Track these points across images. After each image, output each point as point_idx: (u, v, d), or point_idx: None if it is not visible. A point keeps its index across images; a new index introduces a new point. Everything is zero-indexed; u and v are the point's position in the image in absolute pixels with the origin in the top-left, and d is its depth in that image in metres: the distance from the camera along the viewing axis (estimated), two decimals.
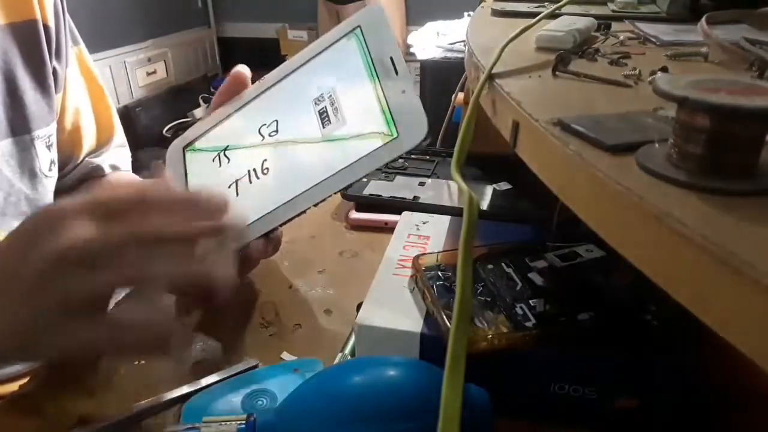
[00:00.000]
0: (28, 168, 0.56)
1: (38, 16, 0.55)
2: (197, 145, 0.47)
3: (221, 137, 0.45)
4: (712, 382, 0.37)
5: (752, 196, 0.19)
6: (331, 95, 0.40)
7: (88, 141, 0.66)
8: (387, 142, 0.36)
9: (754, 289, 0.15)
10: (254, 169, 0.42)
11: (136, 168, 0.75)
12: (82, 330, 0.32)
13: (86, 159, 0.67)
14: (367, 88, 0.38)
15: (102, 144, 0.69)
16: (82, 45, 0.65)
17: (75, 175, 0.66)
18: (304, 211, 0.39)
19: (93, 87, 0.67)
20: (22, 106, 0.55)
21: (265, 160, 0.42)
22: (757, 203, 0.19)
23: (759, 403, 0.35)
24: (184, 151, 0.47)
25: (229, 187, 0.43)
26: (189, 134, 0.47)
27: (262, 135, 0.43)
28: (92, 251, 0.31)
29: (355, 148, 0.37)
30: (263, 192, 0.41)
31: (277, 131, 0.42)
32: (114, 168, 0.69)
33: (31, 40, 0.55)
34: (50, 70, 0.57)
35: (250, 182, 0.42)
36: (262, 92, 0.44)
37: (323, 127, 0.39)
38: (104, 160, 0.68)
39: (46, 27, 0.56)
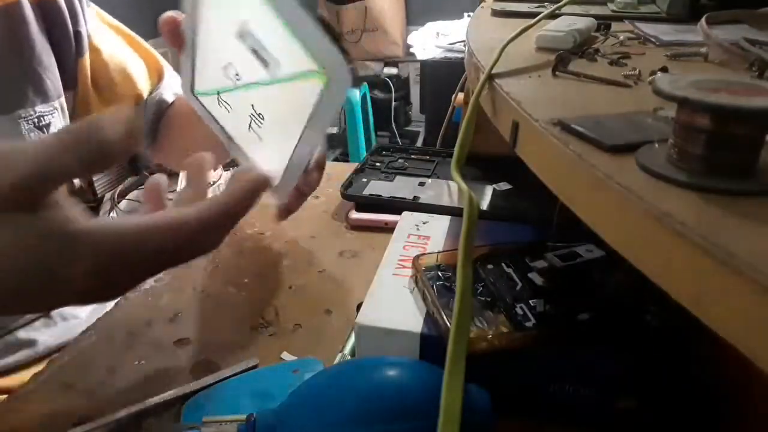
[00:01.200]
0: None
1: None
2: (198, 88, 0.46)
3: (206, 80, 0.45)
4: (712, 382, 0.37)
5: (752, 196, 0.19)
6: (249, 31, 0.38)
7: (144, 83, 0.69)
8: (326, 81, 0.35)
9: (754, 289, 0.15)
10: (252, 114, 0.41)
11: (139, 167, 0.76)
12: None
13: (149, 98, 0.69)
14: (271, 18, 0.36)
15: (156, 81, 0.71)
16: (93, 4, 0.67)
17: (147, 116, 0.68)
18: (315, 149, 0.39)
19: (123, 35, 0.69)
20: None
21: (253, 104, 0.41)
22: (757, 203, 0.19)
23: (759, 403, 0.35)
24: (195, 96, 0.47)
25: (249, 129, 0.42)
26: (183, 78, 0.47)
27: (230, 79, 0.42)
28: None
29: (302, 90, 0.36)
30: (274, 135, 0.41)
31: (238, 75, 0.41)
32: (176, 95, 0.71)
33: (12, 23, 0.55)
34: (38, 51, 0.57)
35: (259, 127, 0.42)
36: (197, 35, 0.43)
37: (266, 68, 0.38)
38: (163, 92, 0.70)
39: (51, 2, 0.57)
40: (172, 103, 0.71)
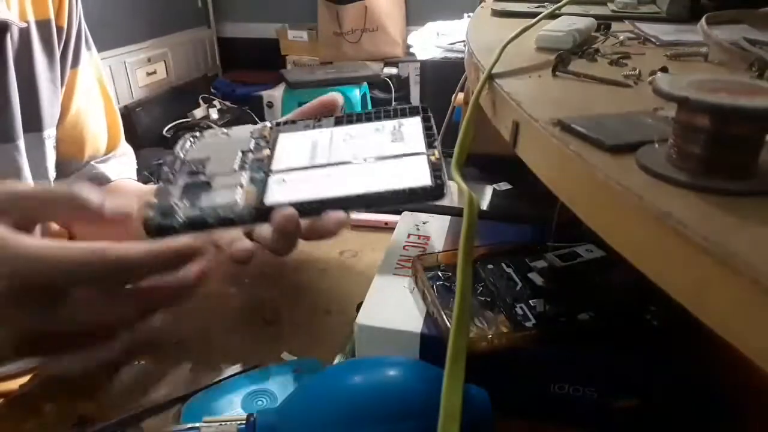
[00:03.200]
0: (42, 168, 0.57)
1: (52, 16, 0.57)
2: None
3: None
4: (713, 382, 0.37)
5: (752, 196, 0.19)
6: None
7: (94, 145, 0.67)
8: None
9: (754, 289, 0.15)
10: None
11: (138, 168, 0.75)
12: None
13: (90, 164, 0.67)
14: None
15: (109, 150, 0.69)
16: (95, 51, 0.66)
17: (78, 180, 0.66)
18: None
19: (104, 94, 0.68)
20: (37, 103, 0.56)
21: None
22: (757, 203, 0.19)
23: (759, 403, 0.35)
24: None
25: None
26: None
27: None
28: None
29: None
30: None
31: None
32: (120, 176, 0.69)
33: (49, 40, 0.56)
34: (59, 71, 0.58)
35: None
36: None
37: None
38: (109, 168, 0.68)
39: (59, 28, 0.58)
40: (110, 181, 0.67)
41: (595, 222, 0.23)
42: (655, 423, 0.37)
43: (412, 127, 0.45)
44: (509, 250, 0.46)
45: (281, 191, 0.40)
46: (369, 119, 0.47)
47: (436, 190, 0.39)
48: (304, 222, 0.37)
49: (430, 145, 0.43)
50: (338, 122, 0.47)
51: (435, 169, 0.41)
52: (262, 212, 0.38)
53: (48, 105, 0.57)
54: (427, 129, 0.45)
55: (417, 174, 0.40)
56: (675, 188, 0.20)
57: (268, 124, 0.49)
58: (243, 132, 0.49)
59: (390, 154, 0.42)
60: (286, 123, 0.49)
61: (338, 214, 0.37)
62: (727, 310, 0.16)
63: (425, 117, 0.46)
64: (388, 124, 0.46)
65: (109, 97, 0.69)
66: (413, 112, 0.46)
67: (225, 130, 0.50)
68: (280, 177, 0.41)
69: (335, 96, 0.49)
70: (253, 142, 0.46)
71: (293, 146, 0.45)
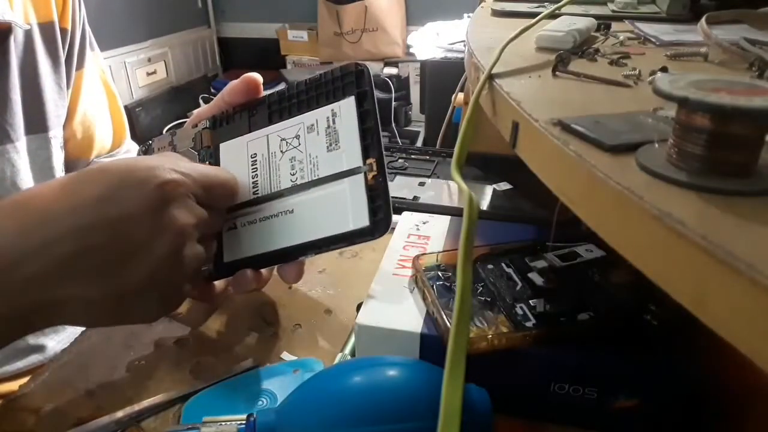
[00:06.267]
0: (47, 168, 0.57)
1: (55, 19, 0.57)
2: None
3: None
4: (713, 382, 0.37)
5: (752, 196, 0.19)
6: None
7: (101, 144, 0.68)
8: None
9: (753, 289, 0.15)
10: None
11: None
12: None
13: (95, 160, 0.67)
14: None
15: (114, 147, 0.70)
16: (98, 50, 0.67)
17: None
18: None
19: (108, 92, 0.69)
20: (41, 104, 0.56)
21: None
22: (757, 203, 0.19)
23: (759, 403, 0.35)
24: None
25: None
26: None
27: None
28: (201, 230, 0.39)
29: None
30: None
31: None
32: None
33: (52, 42, 0.57)
34: (64, 73, 0.59)
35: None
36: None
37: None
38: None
39: (63, 30, 0.58)
40: None
41: (595, 222, 0.23)
42: (655, 423, 0.37)
43: (347, 117, 0.44)
44: (509, 250, 0.46)
45: (236, 245, 0.45)
46: (301, 108, 0.46)
47: (376, 227, 0.41)
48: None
49: (366, 149, 0.42)
50: (272, 116, 0.48)
51: (372, 196, 0.41)
52: (223, 269, 0.45)
53: (53, 106, 0.57)
54: (361, 118, 0.44)
55: (355, 210, 0.42)
56: (675, 188, 0.20)
57: (207, 124, 0.50)
58: (187, 140, 0.50)
59: (328, 173, 0.43)
60: (221, 122, 0.50)
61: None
62: (726, 310, 0.16)
63: (360, 94, 0.44)
64: (322, 117, 0.45)
65: (113, 94, 0.70)
66: (348, 89, 0.45)
67: (171, 139, 0.51)
68: (231, 221, 0.46)
69: (255, 77, 0.49)
70: (198, 159, 0.49)
71: (235, 163, 0.47)
